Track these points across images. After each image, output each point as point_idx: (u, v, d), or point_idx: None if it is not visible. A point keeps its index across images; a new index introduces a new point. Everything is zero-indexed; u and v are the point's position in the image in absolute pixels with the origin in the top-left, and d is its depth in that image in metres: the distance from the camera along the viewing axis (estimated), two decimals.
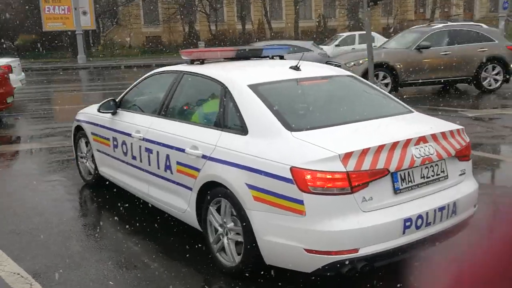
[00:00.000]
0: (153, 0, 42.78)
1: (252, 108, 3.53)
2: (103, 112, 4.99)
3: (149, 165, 4.33)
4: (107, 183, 5.43)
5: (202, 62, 4.42)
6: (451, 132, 3.45)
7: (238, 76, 3.92)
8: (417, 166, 3.19)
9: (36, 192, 5.67)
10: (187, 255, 3.90)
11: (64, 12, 33.69)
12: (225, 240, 3.57)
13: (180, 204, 3.99)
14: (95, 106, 5.92)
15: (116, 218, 4.78)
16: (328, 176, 2.94)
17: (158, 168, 4.19)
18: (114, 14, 43.08)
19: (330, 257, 2.97)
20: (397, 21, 43.02)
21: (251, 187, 3.24)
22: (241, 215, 3.33)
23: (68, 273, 3.70)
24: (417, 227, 3.12)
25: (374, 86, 4.25)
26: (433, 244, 3.32)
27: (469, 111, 10.21)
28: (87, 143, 5.69)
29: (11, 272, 3.75)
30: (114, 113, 4.98)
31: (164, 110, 4.34)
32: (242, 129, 3.50)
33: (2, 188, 5.98)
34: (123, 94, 5.10)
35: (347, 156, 2.95)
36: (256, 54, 4.68)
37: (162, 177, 4.17)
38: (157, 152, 4.18)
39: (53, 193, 5.66)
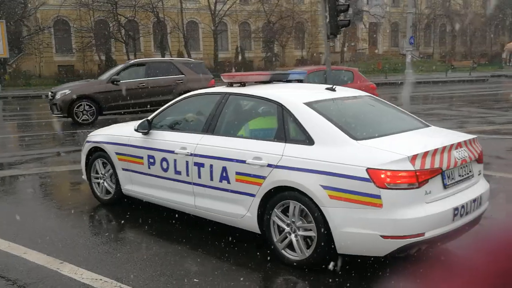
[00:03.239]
0: (66, 29, 41.90)
1: (315, 122, 4.15)
2: (141, 132, 5.31)
3: (199, 178, 4.74)
4: (125, 200, 5.75)
5: (243, 84, 4.98)
6: (473, 139, 4.31)
7: (292, 96, 4.54)
8: (457, 166, 3.98)
9: (59, 215, 5.80)
10: (242, 256, 4.37)
11: None
12: (292, 237, 4.10)
13: (238, 210, 4.45)
14: (113, 127, 6.24)
15: (157, 231, 5.10)
16: (401, 174, 3.63)
17: (211, 179, 4.63)
18: (19, 43, 41.23)
19: (403, 240, 3.63)
20: (310, 53, 45.71)
21: (326, 187, 3.83)
22: (315, 213, 3.90)
23: (148, 276, 4.01)
24: (461, 215, 3.89)
25: (391, 104, 5.06)
26: (467, 231, 4.10)
27: None
28: (104, 163, 5.93)
29: (92, 278, 3.98)
30: (146, 133, 5.33)
31: (212, 128, 4.81)
32: (307, 141, 4.10)
33: (31, 214, 5.97)
34: (154, 114, 5.47)
35: (413, 158, 3.67)
36: (285, 78, 5.33)
37: (216, 188, 4.60)
38: (210, 165, 4.62)
39: (73, 215, 5.79)
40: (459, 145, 4.06)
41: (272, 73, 5.23)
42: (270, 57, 44.75)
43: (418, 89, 25.13)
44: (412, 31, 32.21)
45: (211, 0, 41.09)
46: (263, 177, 4.22)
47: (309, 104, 4.31)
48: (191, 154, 4.80)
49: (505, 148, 8.93)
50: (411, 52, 30.98)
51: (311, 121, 4.18)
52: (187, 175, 4.86)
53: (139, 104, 14.02)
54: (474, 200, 4.05)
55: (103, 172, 5.99)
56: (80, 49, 40.59)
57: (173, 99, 5.50)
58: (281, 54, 45.17)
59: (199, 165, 4.73)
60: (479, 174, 4.36)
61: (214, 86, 14.65)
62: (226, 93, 4.93)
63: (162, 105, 5.52)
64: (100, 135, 6.08)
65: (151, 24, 42.22)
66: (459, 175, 4.04)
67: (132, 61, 15.87)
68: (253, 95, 4.74)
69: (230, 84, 5.06)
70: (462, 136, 4.32)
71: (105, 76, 14.84)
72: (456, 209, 3.83)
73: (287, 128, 4.29)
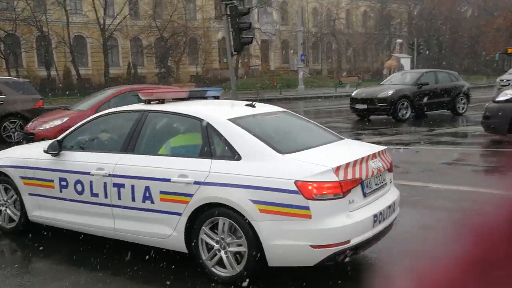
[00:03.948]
0: None
1: (241, 138, 4.21)
2: (50, 153, 4.99)
3: (119, 199, 4.56)
4: (32, 228, 5.35)
5: (162, 101, 4.90)
6: (384, 150, 4.64)
7: (216, 112, 4.56)
8: (373, 176, 4.25)
9: None
10: (170, 277, 4.27)
11: None
12: (222, 253, 4.09)
13: (164, 230, 4.35)
14: (16, 149, 5.82)
15: (73, 258, 4.80)
16: (327, 185, 3.79)
17: (133, 200, 4.48)
18: None
19: (332, 249, 3.79)
20: (205, 69, 45.99)
21: (256, 202, 3.88)
22: (245, 228, 3.93)
23: None
24: (380, 221, 4.15)
25: (306, 118, 5.28)
26: (384, 236, 4.39)
27: None
28: (7, 189, 5.49)
29: None
30: (57, 154, 5.02)
31: (132, 147, 4.66)
32: (234, 156, 4.13)
33: None
34: (65, 134, 5.17)
35: (337, 169, 3.86)
36: (202, 95, 5.33)
37: (139, 209, 4.45)
38: (132, 185, 4.47)
39: None
40: (374, 155, 4.35)
41: (190, 90, 5.22)
42: (164, 73, 44.28)
43: (311, 103, 26.34)
44: (302, 49, 33.79)
45: (99, 14, 39.78)
46: (190, 195, 4.18)
47: (233, 120, 4.36)
48: (110, 175, 4.60)
49: (398, 157, 9.66)
50: (303, 69, 32.45)
51: (237, 136, 4.23)
52: (106, 197, 4.65)
53: None
54: (389, 207, 4.35)
55: (5, 199, 5.53)
56: None
57: None
58: (176, 70, 44.91)
59: (119, 186, 4.56)
60: (390, 182, 4.69)
61: (42, 108, 13.47)
62: (145, 110, 4.82)
63: None
64: (1, 159, 5.61)
65: (34, 38, 39.82)
66: (375, 184, 4.32)
67: None
68: (175, 112, 4.69)
69: (148, 102, 4.96)
70: (375, 148, 4.63)
71: None
72: (375, 215, 4.08)
73: (212, 145, 4.30)
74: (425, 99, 16.06)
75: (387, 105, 15.45)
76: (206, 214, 4.14)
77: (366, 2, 56.42)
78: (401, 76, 17.83)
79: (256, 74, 46.38)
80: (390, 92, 15.62)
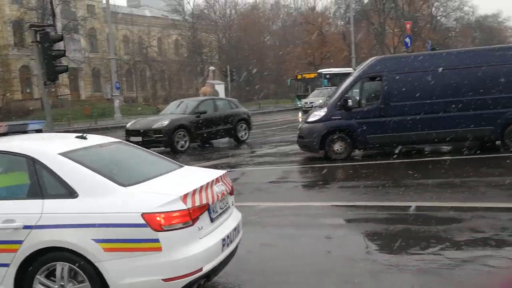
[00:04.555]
0: None
1: (76, 173, 3.85)
2: None
3: None
4: None
5: None
6: (225, 174, 4.70)
7: (44, 147, 4.10)
8: (218, 200, 4.28)
9: None
10: None
11: None
12: None
13: None
14: None
15: None
16: (175, 215, 3.68)
17: None
18: None
19: (184, 279, 3.67)
20: (5, 101, 41.81)
21: (99, 241, 3.58)
22: (88, 270, 3.60)
23: None
24: (227, 245, 4.18)
25: (143, 148, 5.10)
26: (231, 259, 4.42)
27: None
28: None
29: None
30: None
31: None
32: (69, 193, 3.76)
33: None
34: None
35: (185, 197, 3.77)
36: (23, 129, 4.78)
37: None
38: None
39: None
40: (217, 180, 4.38)
41: (9, 124, 4.65)
42: None
43: None
44: (116, 77, 32.91)
45: None
46: (19, 242, 3.68)
47: (65, 155, 3.98)
48: None
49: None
50: (118, 97, 31.57)
51: (71, 172, 3.86)
52: None
53: None
54: (235, 229, 4.41)
55: None
56: None
57: None
58: None
59: None
60: (232, 205, 4.77)
61: None
62: None
63: None
64: None
65: None
66: (220, 208, 4.35)
67: None
68: None
69: None
70: (217, 172, 4.66)
71: None
72: (223, 239, 4.10)
73: (43, 183, 3.86)
74: (205, 128, 15.66)
75: (163, 137, 14.56)
76: (40, 261, 3.69)
77: (177, 31, 57.74)
78: (179, 106, 16.85)
79: (66, 104, 43.65)
80: (166, 123, 14.77)
